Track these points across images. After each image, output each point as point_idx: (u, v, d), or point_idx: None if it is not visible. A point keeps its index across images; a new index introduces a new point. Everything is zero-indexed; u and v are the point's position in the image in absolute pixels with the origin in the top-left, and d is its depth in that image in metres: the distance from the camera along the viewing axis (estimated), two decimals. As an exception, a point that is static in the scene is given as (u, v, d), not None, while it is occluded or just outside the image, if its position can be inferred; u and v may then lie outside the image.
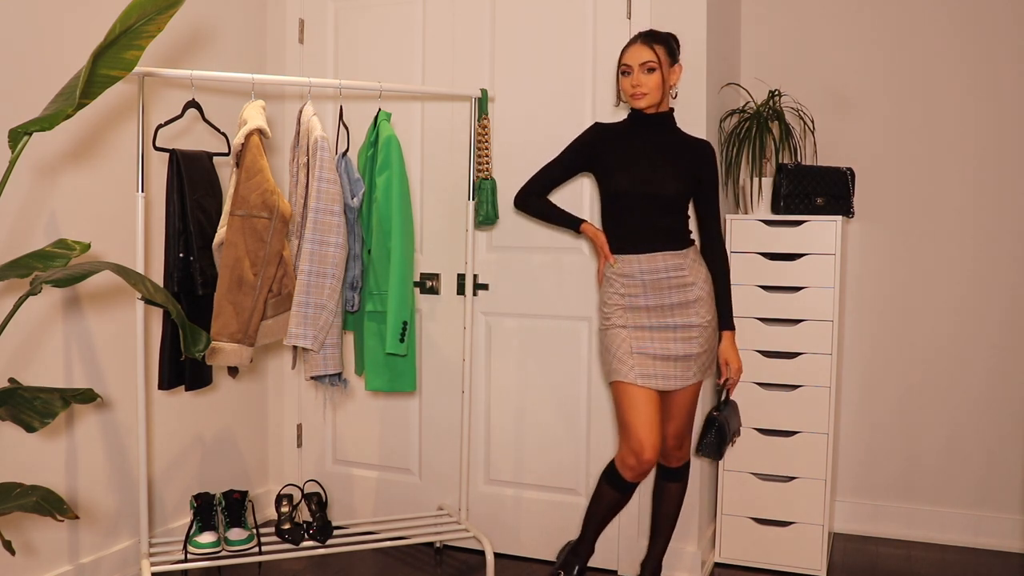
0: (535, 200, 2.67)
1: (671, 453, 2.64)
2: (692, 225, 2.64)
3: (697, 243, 2.62)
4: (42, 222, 2.51)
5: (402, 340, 2.64)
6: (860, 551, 3.21)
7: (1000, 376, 3.21)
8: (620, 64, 2.50)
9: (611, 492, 2.55)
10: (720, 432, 2.60)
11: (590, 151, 2.59)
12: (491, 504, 3.15)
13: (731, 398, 2.70)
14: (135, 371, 2.77)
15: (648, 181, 2.50)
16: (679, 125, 2.62)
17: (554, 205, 2.68)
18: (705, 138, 2.80)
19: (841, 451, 3.38)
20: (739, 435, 2.77)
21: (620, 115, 2.83)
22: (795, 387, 2.96)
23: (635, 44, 2.48)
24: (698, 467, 2.90)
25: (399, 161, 2.66)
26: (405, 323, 2.64)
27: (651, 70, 2.45)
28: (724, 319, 2.58)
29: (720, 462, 3.04)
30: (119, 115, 2.74)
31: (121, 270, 1.62)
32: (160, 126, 2.59)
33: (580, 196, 2.97)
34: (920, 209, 3.28)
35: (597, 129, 2.62)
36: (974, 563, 3.09)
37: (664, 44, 2.48)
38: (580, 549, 2.65)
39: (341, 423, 3.38)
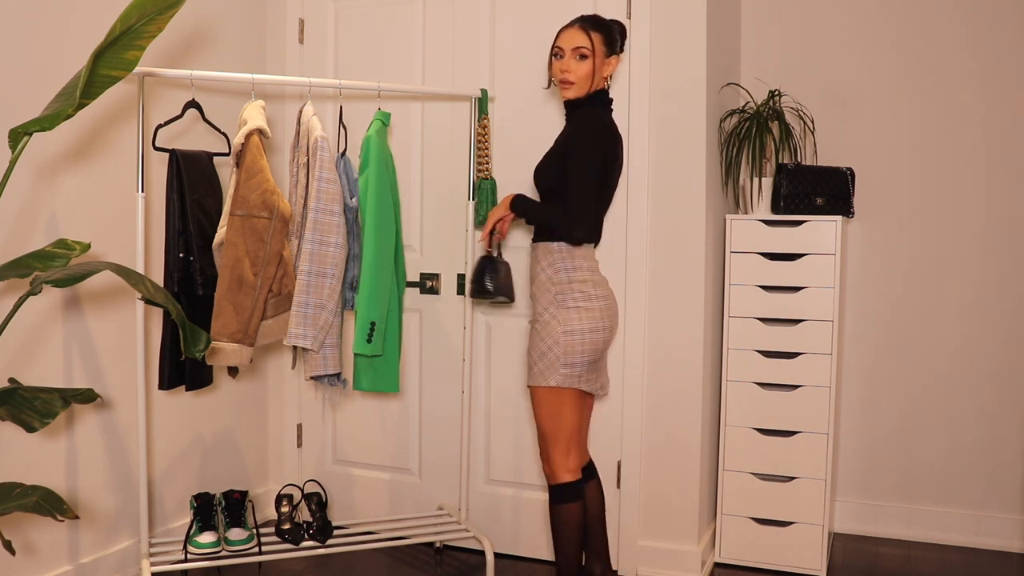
0: None
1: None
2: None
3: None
4: (42, 222, 2.51)
5: (369, 340, 2.62)
6: (860, 551, 3.20)
7: (1001, 376, 3.21)
8: (553, 45, 2.41)
9: None
10: (478, 269, 2.57)
11: None
12: (491, 504, 3.14)
13: (498, 251, 2.63)
14: (135, 371, 2.77)
15: (535, 173, 2.48)
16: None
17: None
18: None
19: (841, 451, 3.38)
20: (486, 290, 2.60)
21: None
22: (795, 387, 2.96)
23: (571, 27, 2.39)
24: (698, 468, 2.90)
25: (376, 160, 2.64)
26: (373, 323, 2.62)
27: (583, 56, 2.36)
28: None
29: (721, 461, 3.04)
30: (119, 115, 2.74)
31: (121, 270, 1.62)
32: (160, 126, 2.59)
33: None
34: (920, 209, 3.28)
35: None
36: (974, 563, 3.09)
37: (603, 33, 2.39)
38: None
39: (341, 423, 3.38)
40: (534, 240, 2.47)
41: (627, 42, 2.75)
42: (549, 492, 2.43)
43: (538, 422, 2.42)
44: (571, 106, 2.45)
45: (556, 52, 2.40)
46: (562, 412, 2.38)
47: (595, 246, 2.50)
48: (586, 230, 2.33)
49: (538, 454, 2.51)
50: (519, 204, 2.46)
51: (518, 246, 3.03)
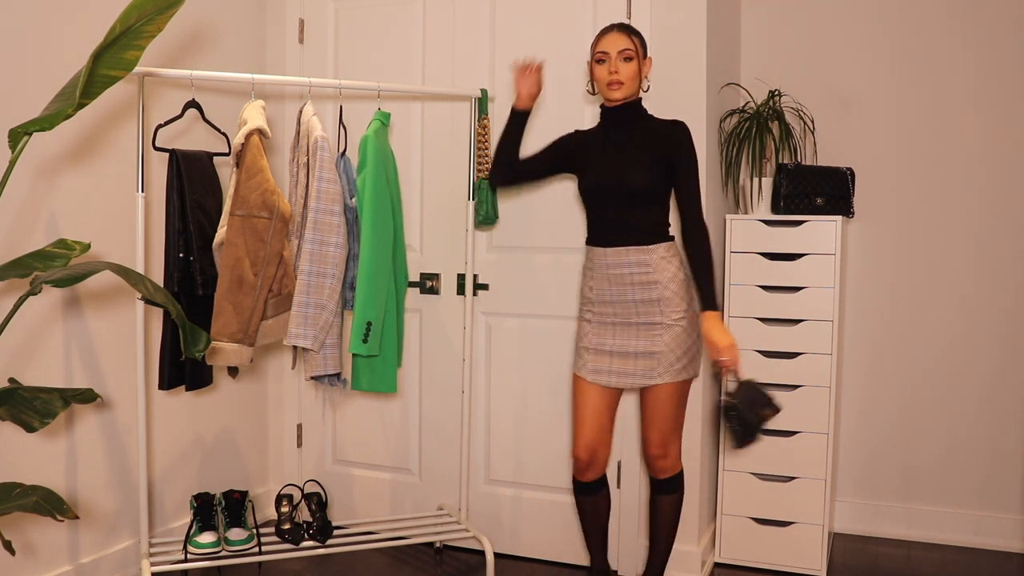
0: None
1: (655, 464, 2.50)
2: (674, 218, 2.51)
3: (677, 239, 2.47)
4: (42, 222, 2.51)
5: (365, 340, 2.62)
6: (860, 551, 3.20)
7: (1000, 376, 3.21)
8: (595, 52, 2.44)
9: (577, 497, 2.60)
10: (739, 419, 2.30)
11: (565, 152, 2.59)
12: (491, 504, 3.15)
13: (741, 379, 2.37)
14: (135, 371, 2.77)
15: (615, 175, 2.44)
16: (656, 111, 2.62)
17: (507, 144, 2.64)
18: (684, 120, 2.77)
19: (841, 451, 3.38)
20: (774, 411, 2.34)
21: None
22: (795, 387, 2.95)
23: (612, 32, 2.44)
24: (698, 468, 2.90)
25: (373, 160, 2.64)
26: (369, 323, 2.61)
27: (628, 59, 2.40)
28: (705, 300, 2.35)
29: (721, 461, 3.04)
30: (119, 115, 2.74)
31: (121, 270, 1.62)
32: (160, 126, 2.59)
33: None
34: (920, 209, 3.28)
35: (574, 134, 2.62)
36: (974, 563, 3.09)
37: (639, 36, 2.47)
38: (593, 570, 2.66)
39: (341, 423, 3.38)
40: (646, 242, 2.43)
41: None
42: (677, 483, 2.55)
43: (672, 415, 2.47)
44: (622, 110, 2.47)
45: (599, 58, 2.43)
46: (686, 403, 2.53)
47: None
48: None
49: (666, 451, 2.49)
50: (711, 301, 2.37)
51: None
